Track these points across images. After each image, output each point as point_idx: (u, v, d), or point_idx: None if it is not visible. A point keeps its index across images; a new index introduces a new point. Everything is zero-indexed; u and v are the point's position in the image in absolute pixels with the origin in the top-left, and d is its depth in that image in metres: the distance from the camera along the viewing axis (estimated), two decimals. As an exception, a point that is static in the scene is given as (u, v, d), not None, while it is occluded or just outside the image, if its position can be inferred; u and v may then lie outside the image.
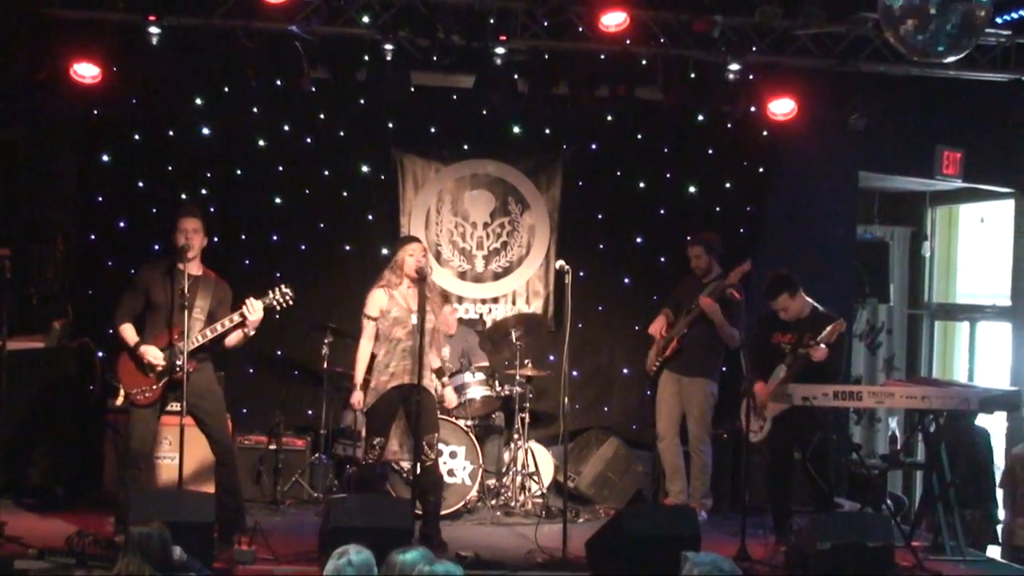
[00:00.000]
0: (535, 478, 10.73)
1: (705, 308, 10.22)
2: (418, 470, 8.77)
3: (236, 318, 8.57)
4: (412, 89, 10.51)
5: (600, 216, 12.11)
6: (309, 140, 11.68)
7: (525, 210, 11.96)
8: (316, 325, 10.64)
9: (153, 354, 8.56)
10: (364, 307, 9.08)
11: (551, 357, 11.55)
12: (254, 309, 8.54)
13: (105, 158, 11.32)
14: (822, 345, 9.13)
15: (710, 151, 12.08)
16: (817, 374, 9.23)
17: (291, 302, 8.74)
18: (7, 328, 8.98)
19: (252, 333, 8.69)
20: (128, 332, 8.69)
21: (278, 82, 10.29)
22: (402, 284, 8.98)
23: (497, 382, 10.86)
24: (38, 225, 11.15)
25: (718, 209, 12.12)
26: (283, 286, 8.71)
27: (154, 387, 8.60)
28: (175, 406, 8.80)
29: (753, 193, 12.19)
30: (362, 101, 11.17)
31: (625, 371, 11.80)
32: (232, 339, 8.69)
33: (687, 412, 10.54)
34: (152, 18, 9.70)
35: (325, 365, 10.50)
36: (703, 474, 10.54)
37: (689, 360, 10.48)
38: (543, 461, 10.90)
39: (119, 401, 8.84)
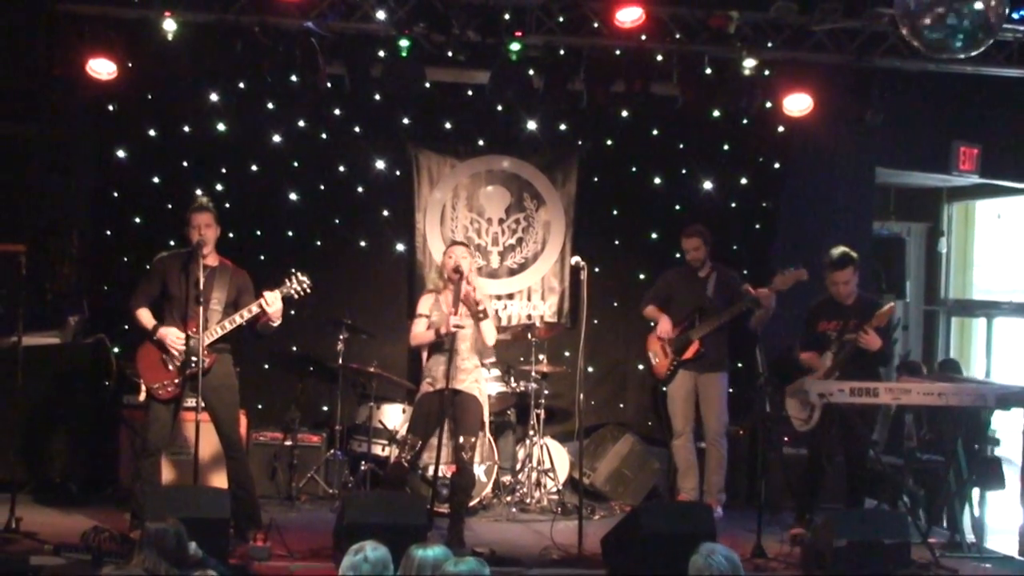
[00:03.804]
0: (550, 474, 10.72)
1: (767, 299, 10.08)
2: (442, 470, 8.83)
3: (255, 309, 8.59)
4: (427, 85, 10.51)
5: (615, 212, 12.10)
6: (324, 136, 11.69)
7: (540, 206, 11.95)
8: (331, 321, 10.65)
9: (173, 336, 8.56)
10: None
11: (566, 353, 11.54)
12: (272, 301, 8.56)
13: (121, 154, 11.33)
14: (872, 332, 9.15)
15: (726, 147, 12.06)
16: (867, 361, 9.27)
17: (308, 289, 8.76)
18: (23, 324, 9.01)
19: (278, 322, 8.70)
20: (144, 316, 8.70)
21: (293, 78, 10.25)
22: (446, 289, 9.11)
23: (512, 378, 10.86)
24: (53, 221, 11.15)
25: (733, 205, 12.12)
26: (299, 274, 8.72)
27: (176, 381, 8.59)
28: (190, 402, 8.83)
29: (769, 189, 12.17)
30: (377, 97, 11.14)
31: (641, 367, 11.76)
32: (260, 326, 8.72)
33: (705, 407, 10.49)
34: (168, 14, 9.72)
35: (340, 361, 10.51)
36: (721, 468, 10.50)
37: (707, 357, 10.46)
38: (558, 457, 10.89)
39: (141, 397, 8.81)
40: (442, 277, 9.23)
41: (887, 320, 9.27)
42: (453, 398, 8.89)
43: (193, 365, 8.47)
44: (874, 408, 9.40)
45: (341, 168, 11.73)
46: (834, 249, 9.61)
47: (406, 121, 11.79)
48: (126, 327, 9.16)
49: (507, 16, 10.11)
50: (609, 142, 12.04)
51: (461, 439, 8.92)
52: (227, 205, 11.07)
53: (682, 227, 10.74)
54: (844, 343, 9.31)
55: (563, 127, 11.94)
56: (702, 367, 10.45)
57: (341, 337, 10.52)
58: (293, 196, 11.64)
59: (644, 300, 10.85)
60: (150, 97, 11.17)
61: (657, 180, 12.08)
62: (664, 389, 10.68)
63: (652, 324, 10.70)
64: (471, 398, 9.03)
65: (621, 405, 12.08)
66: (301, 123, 11.61)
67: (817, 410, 9.31)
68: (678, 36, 10.35)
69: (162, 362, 8.63)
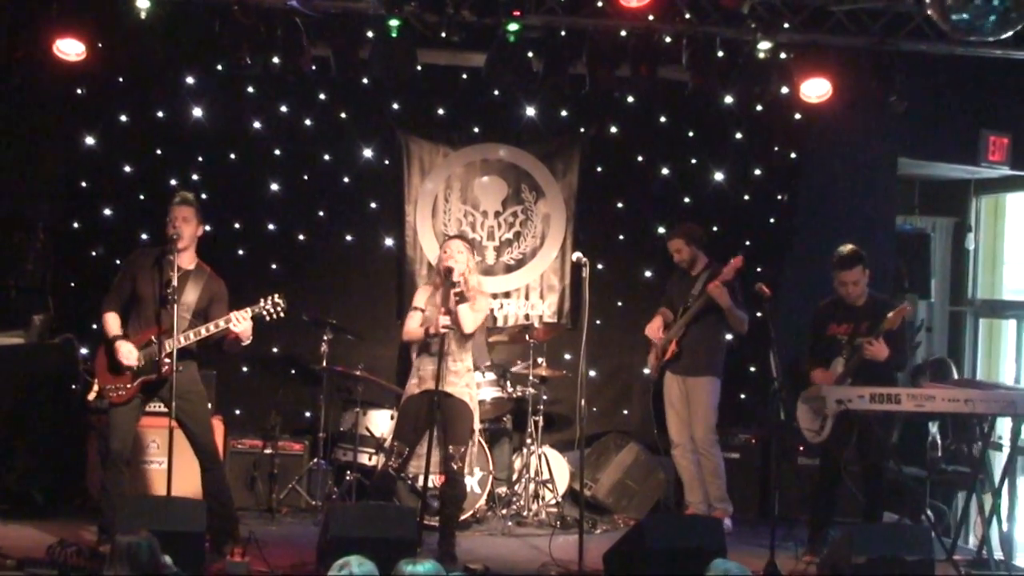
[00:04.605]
0: (549, 486, 10.74)
1: (714, 293, 10.20)
2: (431, 480, 8.84)
3: (221, 324, 8.59)
4: (419, 68, 10.47)
5: (620, 205, 12.13)
6: (308, 122, 11.69)
7: (539, 198, 11.96)
8: (315, 321, 10.64)
9: (126, 352, 8.55)
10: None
11: (567, 356, 11.56)
12: (240, 320, 8.57)
13: (90, 141, 11.34)
14: (878, 342, 9.16)
15: (738, 136, 12.09)
16: (881, 366, 9.28)
17: (283, 313, 8.75)
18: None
19: (247, 342, 8.71)
20: (111, 322, 8.70)
21: (275, 60, 10.24)
22: (441, 285, 9.14)
23: (509, 382, 10.86)
24: (18, 213, 11.14)
25: (747, 198, 12.14)
26: (276, 295, 8.71)
27: (128, 385, 8.59)
28: (160, 407, 8.84)
29: (785, 181, 12.20)
30: (365, 81, 11.13)
31: (646, 371, 11.77)
32: (227, 344, 8.73)
33: (691, 413, 10.57)
34: (140, -10, 9.72)
35: (324, 363, 10.51)
36: (717, 477, 10.56)
37: (691, 359, 10.54)
38: (558, 468, 10.90)
39: (91, 396, 8.86)
40: (438, 272, 9.24)
41: (899, 323, 9.27)
42: (442, 402, 8.89)
43: (165, 367, 8.47)
44: (892, 414, 9.40)
45: (326, 157, 11.74)
46: (842, 247, 9.63)
47: (396, 107, 11.81)
48: (94, 326, 9.15)
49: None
50: (613, 130, 12.06)
51: (451, 448, 8.92)
52: (204, 196, 10.98)
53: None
54: (856, 348, 9.33)
55: (564, 114, 11.97)
56: (686, 370, 10.57)
57: (325, 338, 10.52)
58: (274, 187, 11.65)
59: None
60: (121, 80, 11.18)
61: (665, 171, 12.10)
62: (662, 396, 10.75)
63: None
64: (461, 404, 9.02)
65: (625, 412, 12.10)
66: (283, 108, 11.63)
67: (829, 420, 9.33)
68: (688, 16, 10.33)
69: (117, 364, 8.63)
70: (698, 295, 10.45)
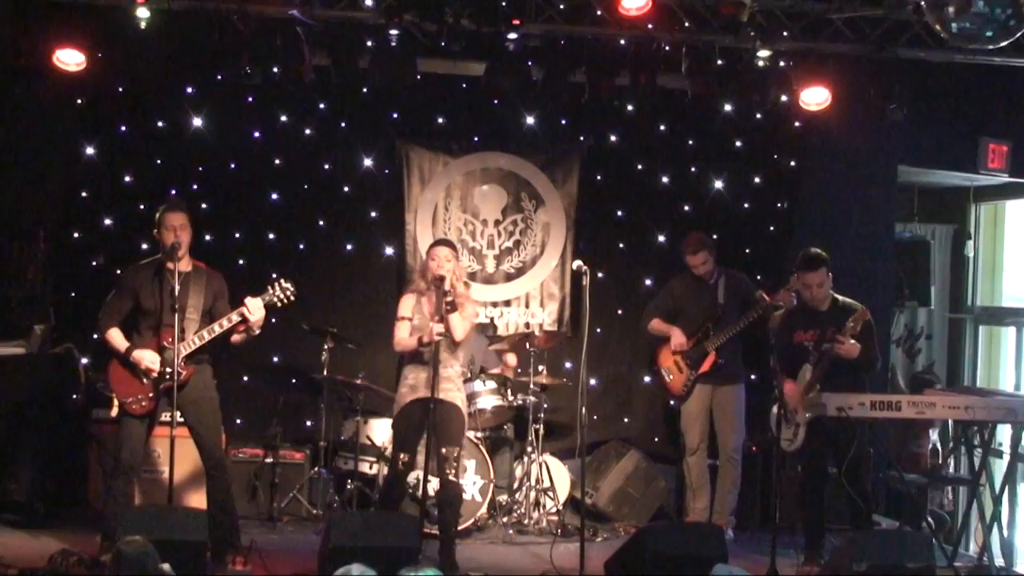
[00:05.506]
0: (550, 494, 10.73)
1: (787, 302, 9.99)
2: (428, 485, 8.83)
3: (235, 318, 8.58)
4: (419, 77, 10.50)
5: (620, 213, 12.13)
6: (308, 132, 11.70)
7: (539, 207, 11.96)
8: (315, 330, 10.65)
9: (149, 359, 8.54)
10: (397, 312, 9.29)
11: (568, 364, 11.56)
12: (254, 309, 8.55)
13: (90, 151, 11.35)
14: (851, 340, 9.14)
15: (738, 144, 12.09)
16: (848, 370, 9.26)
17: (292, 297, 8.77)
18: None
19: (258, 332, 8.70)
20: (116, 338, 8.66)
21: (275, 70, 10.24)
22: (428, 291, 9.12)
23: (509, 391, 10.84)
24: (18, 222, 11.13)
25: (746, 206, 12.14)
26: (283, 280, 8.73)
27: (150, 395, 8.57)
28: (166, 416, 8.82)
29: (784, 189, 12.20)
30: (365, 90, 11.17)
31: (646, 379, 11.79)
32: (237, 337, 8.71)
33: (721, 421, 10.54)
34: (140, 1, 9.70)
35: (325, 372, 10.51)
36: (735, 488, 10.56)
37: (726, 368, 10.52)
38: (558, 476, 10.90)
39: (113, 412, 8.79)
40: (425, 279, 9.23)
41: (862, 325, 9.23)
42: (436, 408, 8.88)
43: (168, 378, 8.46)
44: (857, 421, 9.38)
45: (326, 166, 11.75)
46: (805, 249, 9.61)
47: (396, 116, 11.82)
48: (95, 336, 9.15)
49: (504, 3, 10.10)
50: (613, 138, 12.07)
51: (444, 450, 8.93)
52: (204, 206, 11.10)
53: (683, 241, 10.80)
54: (823, 353, 9.29)
55: (564, 122, 11.97)
56: (719, 380, 10.50)
57: (326, 347, 10.52)
58: (274, 196, 11.66)
59: (647, 314, 10.88)
60: (121, 90, 11.18)
61: (664, 179, 12.11)
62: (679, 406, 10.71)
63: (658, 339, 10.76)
64: (453, 407, 9.03)
65: (626, 420, 12.09)
66: (283, 118, 11.64)
67: (802, 428, 9.33)
68: (687, 25, 10.34)
69: (136, 375, 8.61)
70: (742, 304, 10.39)
